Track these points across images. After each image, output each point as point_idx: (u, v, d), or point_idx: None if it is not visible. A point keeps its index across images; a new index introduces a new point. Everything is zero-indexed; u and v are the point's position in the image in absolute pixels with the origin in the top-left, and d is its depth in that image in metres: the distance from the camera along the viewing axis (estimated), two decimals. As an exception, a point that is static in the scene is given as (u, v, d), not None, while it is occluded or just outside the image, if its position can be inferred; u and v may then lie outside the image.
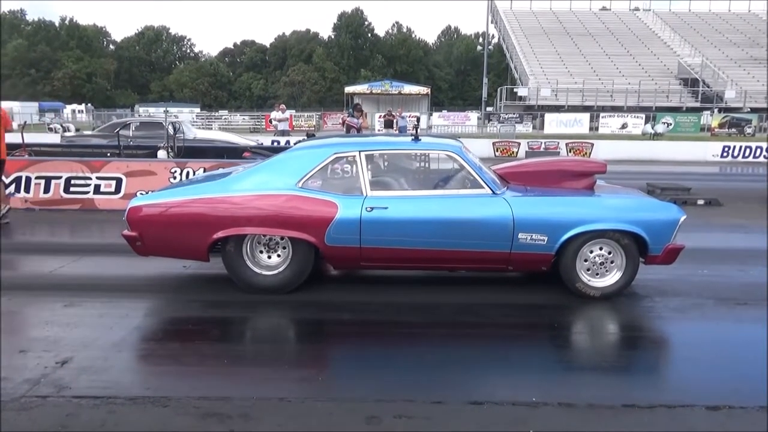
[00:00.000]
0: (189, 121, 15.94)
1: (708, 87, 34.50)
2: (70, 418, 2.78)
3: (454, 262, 4.68)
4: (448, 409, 2.93)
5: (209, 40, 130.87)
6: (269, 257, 4.66)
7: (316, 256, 4.60)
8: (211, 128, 30.78)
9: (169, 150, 10.06)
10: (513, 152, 19.65)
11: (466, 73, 74.12)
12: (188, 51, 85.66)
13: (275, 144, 14.96)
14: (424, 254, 4.51)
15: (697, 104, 33.42)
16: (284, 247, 4.63)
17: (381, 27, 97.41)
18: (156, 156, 9.95)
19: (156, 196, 4.79)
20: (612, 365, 3.63)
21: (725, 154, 19.74)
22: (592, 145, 19.97)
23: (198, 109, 55.72)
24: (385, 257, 4.57)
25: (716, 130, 28.33)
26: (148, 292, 4.74)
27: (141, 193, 8.03)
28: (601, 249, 4.56)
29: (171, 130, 10.53)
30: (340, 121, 10.66)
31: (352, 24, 74.00)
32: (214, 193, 4.60)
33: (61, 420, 2.76)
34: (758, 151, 19.58)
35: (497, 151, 19.88)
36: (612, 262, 4.58)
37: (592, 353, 3.85)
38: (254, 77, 76.09)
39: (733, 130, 28.26)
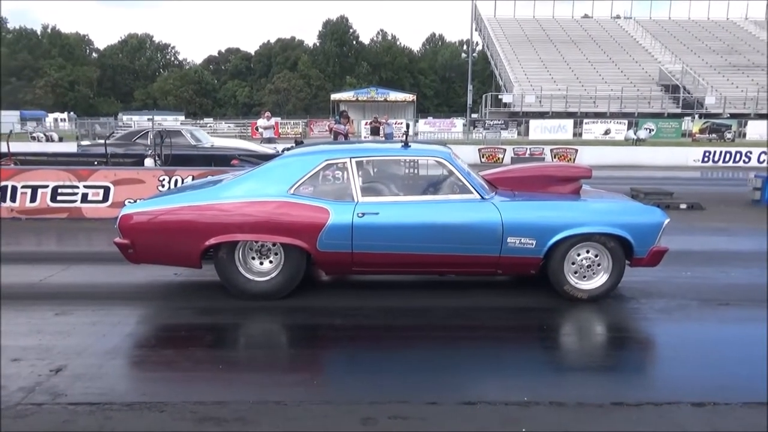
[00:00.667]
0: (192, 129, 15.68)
1: (688, 93, 35.09)
2: (67, 424, 2.80)
3: (444, 266, 4.76)
4: (442, 410, 2.98)
5: (193, 48, 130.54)
6: (261, 263, 4.69)
7: (307, 262, 4.65)
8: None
9: (157, 158, 10.02)
10: (498, 158, 19.83)
11: (451, 81, 74.61)
12: (172, 59, 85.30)
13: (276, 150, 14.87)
14: (415, 259, 4.57)
15: (678, 110, 33.96)
16: (276, 254, 4.67)
17: (366, 34, 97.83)
18: (143, 164, 9.92)
19: (148, 203, 4.80)
20: (600, 365, 3.71)
21: (706, 159, 20.09)
22: (577, 151, 20.21)
23: (182, 117, 55.45)
24: (376, 262, 4.62)
25: (697, 135, 28.84)
26: (140, 300, 4.75)
27: (129, 202, 8.02)
28: (588, 252, 4.65)
29: (158, 138, 10.50)
30: (327, 128, 10.70)
31: (337, 31, 74.21)
32: (206, 201, 4.62)
33: (58, 426, 2.78)
34: (738, 156, 19.96)
35: (483, 157, 20.04)
36: (599, 265, 4.67)
37: (580, 354, 3.92)
38: (239, 85, 75.92)
39: (714, 135, 28.78)
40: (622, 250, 4.64)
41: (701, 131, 29.00)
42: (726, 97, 33.86)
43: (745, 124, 30.01)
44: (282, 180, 4.61)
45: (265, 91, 70.35)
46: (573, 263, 4.66)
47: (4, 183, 8.15)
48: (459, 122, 33.24)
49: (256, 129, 20.82)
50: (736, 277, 5.56)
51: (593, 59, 40.44)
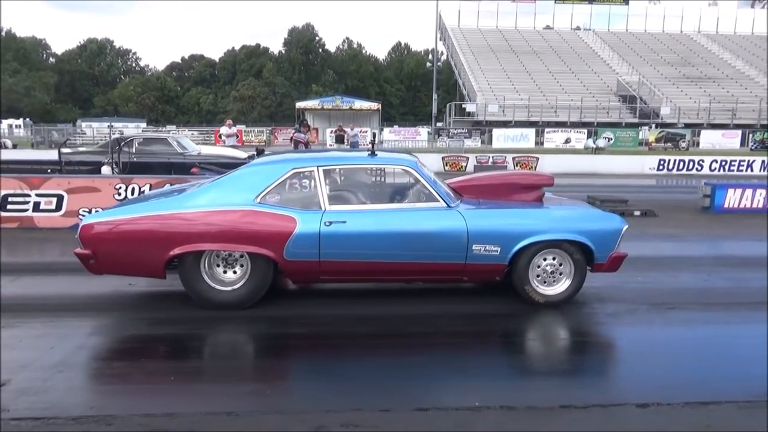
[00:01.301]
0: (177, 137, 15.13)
1: (645, 103, 36.20)
2: (8, 440, 2.72)
3: (411, 273, 4.80)
4: (395, 417, 3.01)
5: (156, 54, 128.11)
6: (227, 273, 4.64)
7: (274, 271, 4.62)
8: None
9: (114, 166, 9.82)
10: (462, 166, 20.07)
11: (417, 89, 75.12)
12: (134, 65, 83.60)
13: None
14: (382, 267, 4.59)
15: (635, 120, 35.00)
16: (242, 263, 4.62)
17: (332, 42, 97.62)
18: (100, 172, 9.70)
19: (110, 213, 4.69)
20: (552, 369, 3.80)
21: (661, 167, 20.75)
22: (538, 159, 20.62)
23: (144, 124, 54.31)
24: (344, 270, 4.62)
25: (653, 144, 29.75)
26: (92, 311, 4.64)
27: (84, 211, 7.84)
28: (551, 259, 4.77)
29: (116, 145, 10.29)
30: (289, 137, 10.64)
31: (302, 39, 73.98)
32: (170, 210, 4.55)
33: (-1, 443, 2.69)
34: (691, 164, 20.68)
35: (446, 165, 20.25)
36: (561, 273, 4.79)
37: (533, 358, 4.01)
38: (203, 92, 74.84)
39: (669, 144, 29.74)
40: (584, 256, 4.76)
41: (657, 140, 29.91)
42: (680, 108, 35.06)
43: (699, 133, 31.09)
44: (248, 189, 4.58)
45: (229, 99, 69.52)
46: (537, 269, 4.75)
47: (-50, 192, 7.86)
48: (424, 131, 33.50)
49: (219, 137, 20.60)
50: (684, 281, 5.77)
51: (554, 70, 41.36)
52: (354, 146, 23.15)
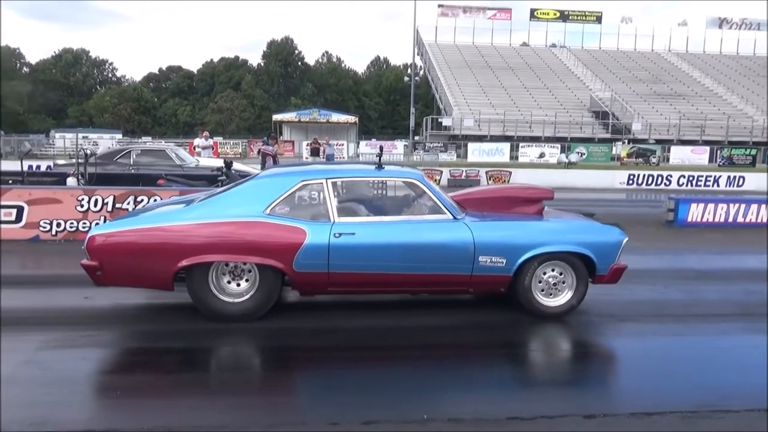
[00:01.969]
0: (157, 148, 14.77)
1: (617, 119, 36.92)
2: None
3: (419, 285, 4.84)
4: (400, 429, 3.04)
5: (133, 65, 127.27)
6: (236, 285, 4.63)
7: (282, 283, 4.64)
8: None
9: (80, 177, 9.68)
10: (436, 179, 20.19)
11: (395, 103, 75.63)
12: (110, 75, 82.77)
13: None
14: (390, 278, 4.63)
15: (608, 135, 35.64)
16: (250, 272, 4.62)
17: (311, 56, 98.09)
18: (65, 183, 9.56)
19: (117, 224, 4.66)
20: (501, 381, 3.84)
21: (631, 182, 21.14)
22: (510, 173, 20.86)
23: (120, 135, 53.66)
24: (352, 282, 4.65)
25: (625, 159, 30.27)
26: (43, 326, 4.54)
27: (44, 222, 7.70)
28: (553, 270, 4.86)
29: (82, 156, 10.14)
30: (257, 150, 10.56)
31: (281, 52, 74.10)
32: (179, 221, 4.54)
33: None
34: (659, 179, 21.11)
35: (421, 178, 20.33)
36: (563, 283, 4.88)
37: (483, 371, 4.04)
38: (180, 103, 74.37)
39: (640, 159, 30.28)
40: (586, 268, 4.86)
41: (629, 156, 30.46)
42: (651, 124, 35.84)
43: (669, 149, 31.76)
44: (258, 200, 4.59)
45: (207, 111, 69.15)
46: (540, 281, 4.84)
47: None
48: (400, 144, 33.72)
49: (194, 149, 20.43)
50: (639, 293, 5.87)
51: (529, 85, 42.03)
52: (329, 159, 23.16)
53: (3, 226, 7.80)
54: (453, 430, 3.07)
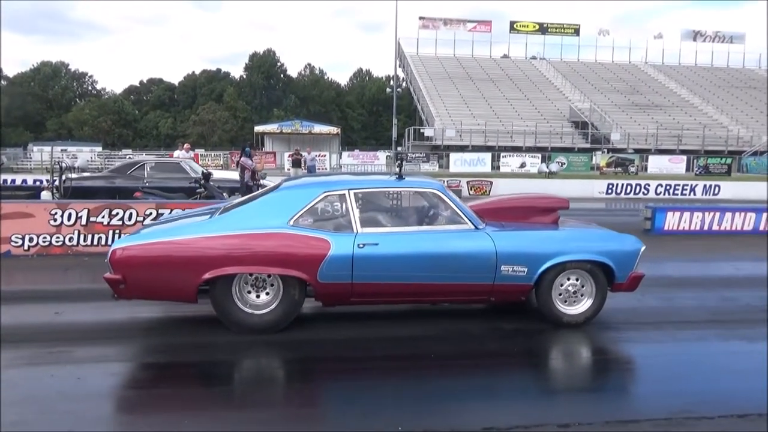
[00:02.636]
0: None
1: (596, 129, 37.41)
2: None
3: (441, 294, 4.86)
4: None
5: (113, 77, 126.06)
6: (258, 296, 4.62)
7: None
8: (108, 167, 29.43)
9: (54, 191, 9.54)
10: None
11: (378, 114, 75.82)
12: (89, 88, 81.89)
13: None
14: (413, 288, 4.65)
15: (587, 145, 36.08)
16: (272, 285, 4.61)
17: (293, 68, 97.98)
18: (39, 197, 9.40)
19: (140, 236, 4.63)
20: (469, 392, 3.81)
21: (610, 191, 21.40)
22: (492, 183, 20.98)
23: (100, 148, 53.03)
24: (375, 292, 4.66)
25: (604, 169, 30.64)
26: (15, 342, 4.42)
27: (17, 238, 7.55)
28: (574, 279, 4.89)
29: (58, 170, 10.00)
30: (235, 163, 10.43)
31: (264, 64, 74.02)
32: (203, 233, 4.52)
33: None
34: (638, 188, 21.39)
35: (403, 189, 20.36)
36: (583, 291, 4.93)
37: (452, 380, 4.02)
38: (162, 115, 73.80)
39: (619, 168, 30.68)
40: (605, 276, 4.89)
41: (608, 165, 30.83)
42: (630, 134, 36.36)
43: (647, 158, 32.22)
44: (282, 212, 4.59)
45: (189, 123, 68.68)
46: (559, 289, 4.88)
47: None
48: (382, 155, 33.77)
49: (174, 161, 20.22)
50: (616, 301, 5.86)
51: (510, 96, 42.46)
52: (311, 170, 23.11)
53: (-27, 241, 7.64)
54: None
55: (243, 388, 3.89)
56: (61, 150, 40.26)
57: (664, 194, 21.10)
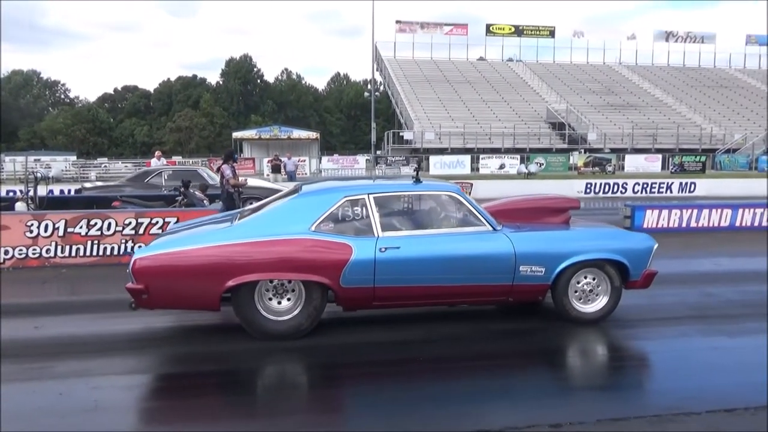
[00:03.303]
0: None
1: (573, 130, 37.83)
2: None
3: (462, 296, 4.87)
4: None
5: (87, 85, 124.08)
6: (279, 303, 4.61)
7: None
8: (88, 177, 28.98)
9: (29, 202, 9.32)
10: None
11: (356, 118, 75.88)
12: (62, 96, 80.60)
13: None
14: (434, 291, 4.67)
15: (565, 145, 36.45)
16: (293, 291, 4.61)
17: (270, 73, 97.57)
18: (13, 208, 9.18)
19: (162, 245, 4.57)
20: (461, 394, 3.81)
21: (588, 190, 21.63)
22: (471, 184, 21.05)
23: (74, 157, 52.10)
24: (397, 296, 4.67)
25: (582, 168, 30.95)
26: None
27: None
28: (590, 278, 4.97)
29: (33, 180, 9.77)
30: (215, 168, 10.16)
31: (240, 70, 73.59)
32: (226, 240, 4.49)
33: None
34: (615, 187, 21.67)
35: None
36: (599, 289, 5.01)
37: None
38: (137, 123, 72.88)
39: (596, 168, 31.01)
40: (619, 274, 4.96)
41: (585, 165, 31.15)
42: (606, 134, 36.84)
43: (623, 158, 32.67)
44: (303, 218, 4.59)
45: (165, 130, 67.96)
46: (576, 288, 4.95)
47: None
48: (362, 159, 33.71)
49: (151, 169, 19.94)
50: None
51: (487, 98, 42.75)
52: (291, 176, 23.01)
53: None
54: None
55: (265, 396, 3.90)
56: (35, 160, 39.49)
57: (642, 193, 21.40)
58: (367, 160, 32.36)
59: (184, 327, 5.04)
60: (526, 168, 28.38)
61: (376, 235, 4.60)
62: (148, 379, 4.03)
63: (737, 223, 11.43)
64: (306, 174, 28.26)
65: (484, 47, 52.85)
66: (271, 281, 4.56)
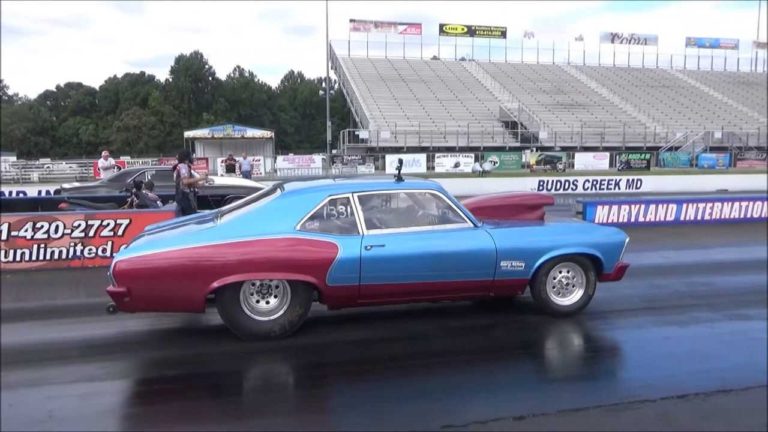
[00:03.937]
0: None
1: (525, 128, 38.67)
2: None
3: (445, 292, 4.92)
4: None
5: (27, 82, 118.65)
6: (267, 302, 4.54)
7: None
8: (30, 179, 27.76)
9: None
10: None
11: (311, 117, 75.24)
12: (0, 94, 76.85)
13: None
14: (418, 287, 4.71)
15: (518, 144, 37.21)
16: (278, 290, 4.55)
17: (222, 71, 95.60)
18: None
19: (143, 247, 4.41)
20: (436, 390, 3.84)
21: (541, 187, 22.18)
22: (429, 183, 21.24)
23: (14, 158, 49.76)
24: (382, 293, 4.69)
25: (534, 166, 31.72)
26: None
27: None
28: (567, 272, 5.12)
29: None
30: (171, 166, 9.86)
31: (191, 67, 71.74)
32: (210, 241, 4.38)
33: None
34: (567, 184, 22.29)
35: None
36: (574, 282, 5.16)
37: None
38: (82, 122, 70.16)
39: (548, 166, 31.83)
40: (594, 267, 5.13)
41: (537, 163, 31.92)
42: (556, 132, 37.84)
43: (573, 156, 33.62)
44: (288, 217, 4.54)
45: (112, 129, 65.73)
46: (553, 282, 5.10)
47: None
48: (318, 158, 33.48)
49: (99, 170, 19.28)
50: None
51: (442, 97, 43.20)
52: (246, 176, 22.65)
53: None
54: None
55: (252, 397, 3.84)
56: (-30, 162, 37.54)
57: (592, 189, 22.11)
58: (323, 159, 32.16)
59: (156, 331, 4.89)
60: (481, 166, 28.85)
61: (361, 233, 4.62)
62: (107, 387, 3.87)
63: (681, 218, 11.95)
64: (261, 174, 27.85)
65: (437, 47, 53.48)
66: (257, 282, 4.52)
